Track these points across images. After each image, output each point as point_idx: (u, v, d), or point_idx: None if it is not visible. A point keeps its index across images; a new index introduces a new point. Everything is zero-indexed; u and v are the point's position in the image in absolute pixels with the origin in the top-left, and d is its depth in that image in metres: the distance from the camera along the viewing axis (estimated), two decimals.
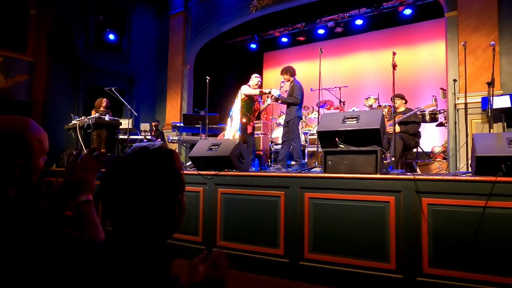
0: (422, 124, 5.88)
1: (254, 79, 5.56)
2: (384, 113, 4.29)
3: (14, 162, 0.97)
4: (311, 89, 6.70)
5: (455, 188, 2.51)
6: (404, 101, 5.45)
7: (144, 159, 0.85)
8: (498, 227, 2.35)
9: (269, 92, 5.43)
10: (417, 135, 5.32)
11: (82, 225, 1.17)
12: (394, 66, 3.97)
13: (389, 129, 4.87)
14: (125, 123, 6.46)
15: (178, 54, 9.31)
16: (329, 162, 3.13)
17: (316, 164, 5.21)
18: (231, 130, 5.40)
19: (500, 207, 2.36)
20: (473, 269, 2.38)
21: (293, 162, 5.47)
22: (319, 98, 5.74)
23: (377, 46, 8.84)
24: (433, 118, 5.78)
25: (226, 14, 8.68)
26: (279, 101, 5.48)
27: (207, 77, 5.72)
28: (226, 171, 3.61)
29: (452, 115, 5.55)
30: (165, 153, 0.86)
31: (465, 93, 4.75)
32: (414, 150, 5.41)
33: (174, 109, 9.19)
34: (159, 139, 7.71)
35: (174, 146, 7.43)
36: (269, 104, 5.75)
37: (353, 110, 6.62)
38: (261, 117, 7.85)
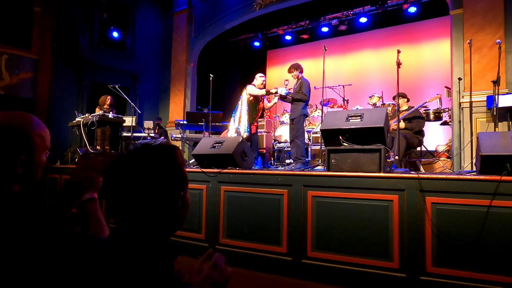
0: (426, 123, 5.85)
1: (259, 78, 5.52)
2: (388, 111, 4.27)
3: (17, 158, 0.98)
4: (315, 87, 6.68)
5: (460, 187, 2.49)
6: (406, 100, 5.43)
7: (146, 155, 0.84)
8: (503, 226, 2.34)
9: (276, 92, 5.40)
10: (421, 133, 5.30)
11: (86, 223, 1.18)
12: (399, 64, 3.94)
13: (393, 126, 4.85)
14: (129, 121, 6.49)
15: (181, 52, 9.31)
16: (333, 161, 3.12)
17: (320, 162, 5.21)
18: (239, 131, 5.36)
19: (505, 207, 2.35)
20: (477, 268, 2.37)
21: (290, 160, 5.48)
22: (322, 96, 5.72)
23: (381, 44, 8.79)
24: (438, 116, 5.75)
25: (230, 12, 8.67)
26: (287, 99, 5.45)
27: (210, 74, 5.72)
28: (229, 169, 3.61)
29: (456, 113, 5.52)
30: (167, 149, 0.86)
31: (470, 91, 4.71)
32: (418, 148, 5.39)
33: (178, 106, 9.20)
34: (162, 137, 7.73)
35: (177, 144, 7.44)
36: (275, 103, 5.73)
37: (357, 108, 6.60)
38: (264, 115, 7.84)
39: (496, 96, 4.33)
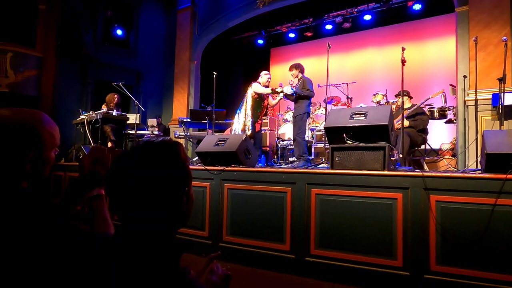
0: (431, 121, 5.82)
1: (264, 76, 5.51)
2: (392, 109, 4.25)
3: (26, 154, 0.98)
4: (318, 85, 6.65)
5: (464, 185, 2.48)
6: (408, 98, 5.40)
7: (149, 151, 0.84)
8: (508, 225, 2.32)
9: (282, 91, 5.39)
10: (425, 131, 5.27)
11: (92, 220, 1.18)
12: (403, 62, 3.91)
13: (397, 126, 4.83)
14: (133, 119, 6.50)
15: (185, 49, 9.31)
16: (336, 158, 3.11)
17: (323, 160, 5.20)
18: (243, 126, 5.34)
19: (510, 205, 2.33)
20: (482, 267, 2.36)
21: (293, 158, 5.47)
22: (326, 94, 5.71)
23: (386, 42, 8.74)
24: (442, 114, 5.71)
25: (233, 9, 8.65)
26: (291, 98, 5.43)
27: (214, 72, 5.72)
28: (232, 167, 3.62)
29: (461, 111, 5.48)
30: (170, 145, 0.86)
31: (476, 89, 4.68)
32: (422, 147, 5.36)
33: (181, 104, 9.21)
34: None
35: (181, 142, 7.45)
36: (280, 99, 5.72)
37: (361, 106, 6.57)
38: (268, 113, 7.83)
39: (502, 94, 4.30)
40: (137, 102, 6.37)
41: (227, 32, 9.22)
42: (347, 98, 7.24)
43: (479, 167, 3.56)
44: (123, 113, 6.38)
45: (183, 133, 6.87)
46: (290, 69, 5.50)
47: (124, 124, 6.40)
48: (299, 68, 5.44)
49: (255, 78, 5.61)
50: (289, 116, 7.54)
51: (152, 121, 7.80)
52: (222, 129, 6.70)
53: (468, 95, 5.32)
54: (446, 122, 6.20)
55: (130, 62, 9.47)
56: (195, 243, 3.57)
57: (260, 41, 10.34)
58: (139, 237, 0.80)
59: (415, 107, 5.13)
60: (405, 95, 5.34)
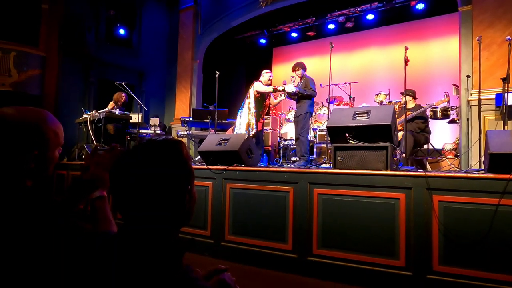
0: (433, 121, 5.79)
1: (266, 75, 5.51)
2: (394, 109, 4.23)
3: (30, 153, 0.98)
4: (321, 85, 6.65)
5: (468, 186, 2.47)
6: (411, 98, 5.37)
7: (152, 149, 0.84)
8: (511, 225, 2.31)
9: (283, 90, 5.39)
10: (427, 131, 5.25)
11: (95, 220, 1.19)
12: (406, 61, 3.90)
13: (399, 127, 4.81)
14: (135, 118, 6.52)
15: (187, 49, 9.32)
16: (339, 158, 3.11)
17: (326, 160, 5.20)
18: (247, 124, 5.33)
19: None
20: (485, 267, 2.35)
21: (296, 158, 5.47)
22: (329, 94, 5.69)
23: (389, 42, 8.72)
24: (445, 114, 5.69)
25: (236, 9, 8.65)
26: (293, 96, 5.43)
27: (216, 72, 5.72)
28: (235, 166, 3.62)
29: (464, 111, 5.46)
30: (172, 144, 0.86)
31: (479, 89, 4.65)
32: (425, 147, 5.34)
33: (184, 103, 9.22)
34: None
35: (183, 141, 7.46)
36: (282, 100, 5.71)
37: (363, 106, 6.56)
38: (270, 112, 7.82)
39: (506, 94, 4.27)
40: (140, 102, 6.39)
41: (230, 31, 9.22)
42: (350, 97, 7.23)
43: (482, 167, 3.54)
44: (125, 112, 6.40)
45: (186, 133, 6.88)
46: (294, 69, 5.49)
47: (127, 123, 6.42)
48: (303, 67, 5.45)
49: (257, 77, 5.60)
50: (292, 115, 7.54)
51: (154, 121, 7.81)
52: (224, 128, 6.70)
53: (471, 95, 5.30)
54: (449, 122, 6.17)
55: (133, 61, 9.48)
56: (197, 242, 3.58)
57: (263, 41, 10.33)
58: (141, 235, 0.80)
59: (418, 111, 5.09)
60: (410, 95, 5.31)
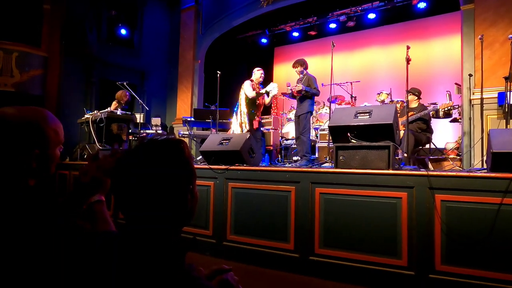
0: (435, 120, 5.78)
1: (257, 72, 5.54)
2: (396, 108, 4.22)
3: (31, 152, 0.99)
4: (322, 84, 6.64)
5: (470, 185, 2.46)
6: (416, 98, 5.34)
7: (153, 149, 0.84)
8: None
9: (266, 92, 5.42)
10: (429, 130, 5.23)
11: (94, 223, 1.19)
12: (408, 60, 3.89)
13: (401, 127, 4.80)
14: (137, 118, 6.52)
15: (189, 49, 9.32)
16: (341, 157, 3.10)
17: (327, 159, 5.19)
18: (240, 123, 5.37)
19: None
20: (487, 266, 2.34)
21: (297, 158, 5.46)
22: (330, 93, 5.69)
23: (390, 41, 8.70)
24: (447, 113, 5.67)
25: (237, 8, 8.64)
26: (298, 96, 5.41)
27: (218, 71, 5.72)
28: (236, 166, 3.62)
29: (466, 110, 5.44)
30: (174, 143, 0.86)
31: (481, 88, 4.64)
32: (427, 146, 5.33)
33: (185, 103, 9.23)
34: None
35: (185, 140, 7.47)
36: (274, 95, 5.68)
37: (365, 105, 6.55)
38: (272, 112, 7.82)
39: (508, 93, 4.26)
40: (141, 102, 6.40)
41: (231, 31, 9.21)
42: (351, 97, 7.21)
43: (485, 166, 3.53)
44: (127, 112, 6.40)
45: (187, 132, 6.89)
46: (295, 66, 5.49)
47: (131, 123, 6.43)
48: (304, 64, 5.44)
49: (250, 76, 5.62)
50: (293, 115, 7.53)
51: (156, 120, 7.81)
52: (226, 128, 6.70)
53: (473, 93, 5.28)
54: (451, 121, 6.15)
55: (134, 61, 9.50)
56: (199, 242, 3.58)
57: (264, 40, 10.33)
58: (143, 235, 0.80)
59: (420, 114, 5.06)
60: (415, 94, 5.26)
